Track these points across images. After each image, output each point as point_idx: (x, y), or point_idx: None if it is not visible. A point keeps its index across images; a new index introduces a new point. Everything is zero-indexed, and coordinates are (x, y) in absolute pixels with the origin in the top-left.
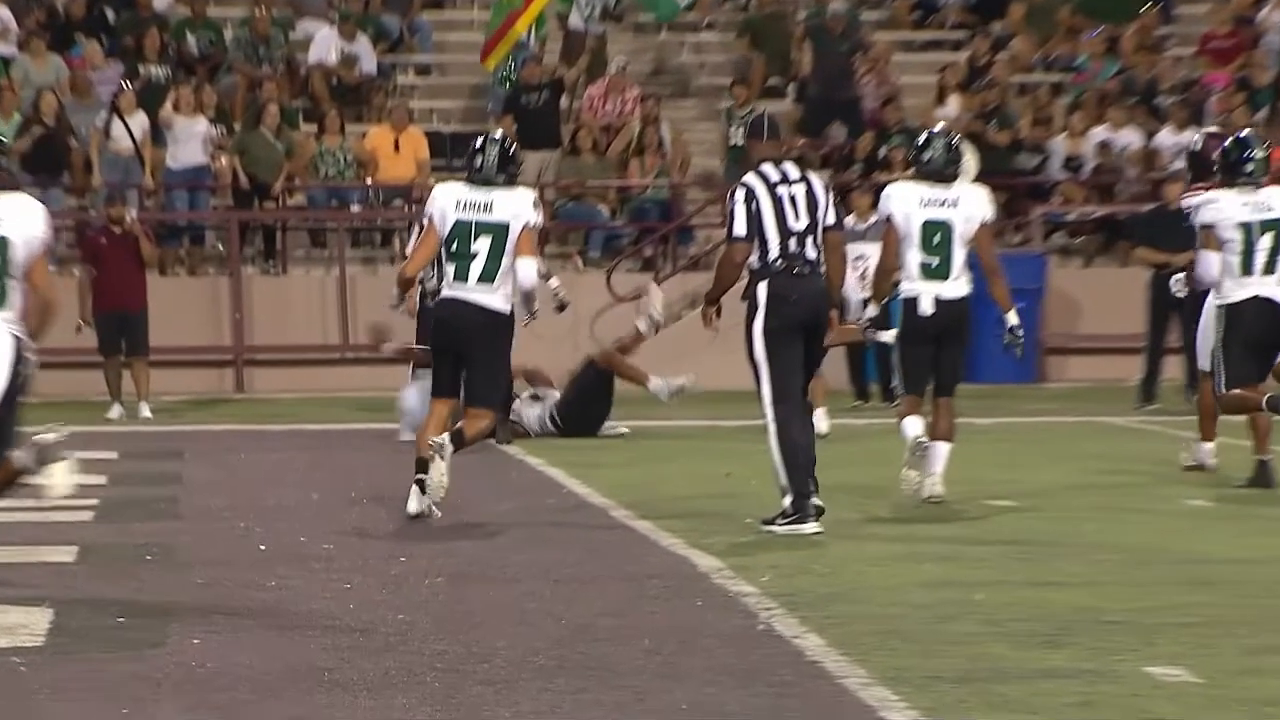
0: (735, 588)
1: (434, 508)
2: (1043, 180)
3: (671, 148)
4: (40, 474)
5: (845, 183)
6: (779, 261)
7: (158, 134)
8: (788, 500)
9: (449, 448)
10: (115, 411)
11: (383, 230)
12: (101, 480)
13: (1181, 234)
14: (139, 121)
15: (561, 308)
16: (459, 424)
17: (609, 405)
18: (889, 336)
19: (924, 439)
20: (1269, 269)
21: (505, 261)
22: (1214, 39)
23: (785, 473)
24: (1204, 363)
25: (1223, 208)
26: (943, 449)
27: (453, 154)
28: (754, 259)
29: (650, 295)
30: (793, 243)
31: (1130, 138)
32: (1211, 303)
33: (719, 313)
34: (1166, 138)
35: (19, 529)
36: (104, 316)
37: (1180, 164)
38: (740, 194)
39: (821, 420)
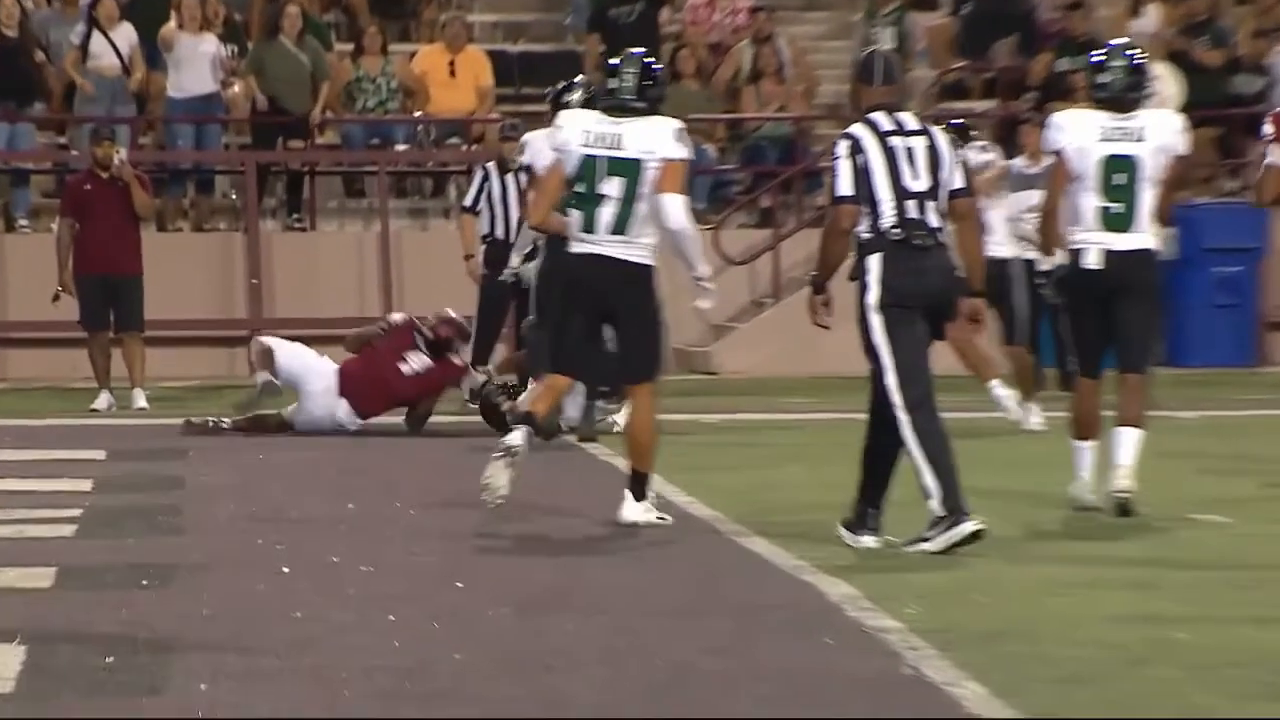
0: (874, 621)
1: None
2: (1265, 110)
3: (793, 72)
4: None
5: (1014, 114)
6: (894, 230)
7: (155, 56)
8: (935, 502)
9: (518, 448)
10: (103, 401)
11: (434, 175)
12: (86, 486)
13: None
14: (125, 35)
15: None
16: (530, 412)
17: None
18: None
19: (1093, 503)
20: None
21: (640, 206)
22: None
23: (929, 470)
24: None
25: None
26: (1130, 436)
27: (522, 80)
28: (862, 227)
29: None
30: (910, 206)
31: None
32: None
33: (828, 303)
34: None
35: None
36: (88, 282)
37: None
38: (844, 146)
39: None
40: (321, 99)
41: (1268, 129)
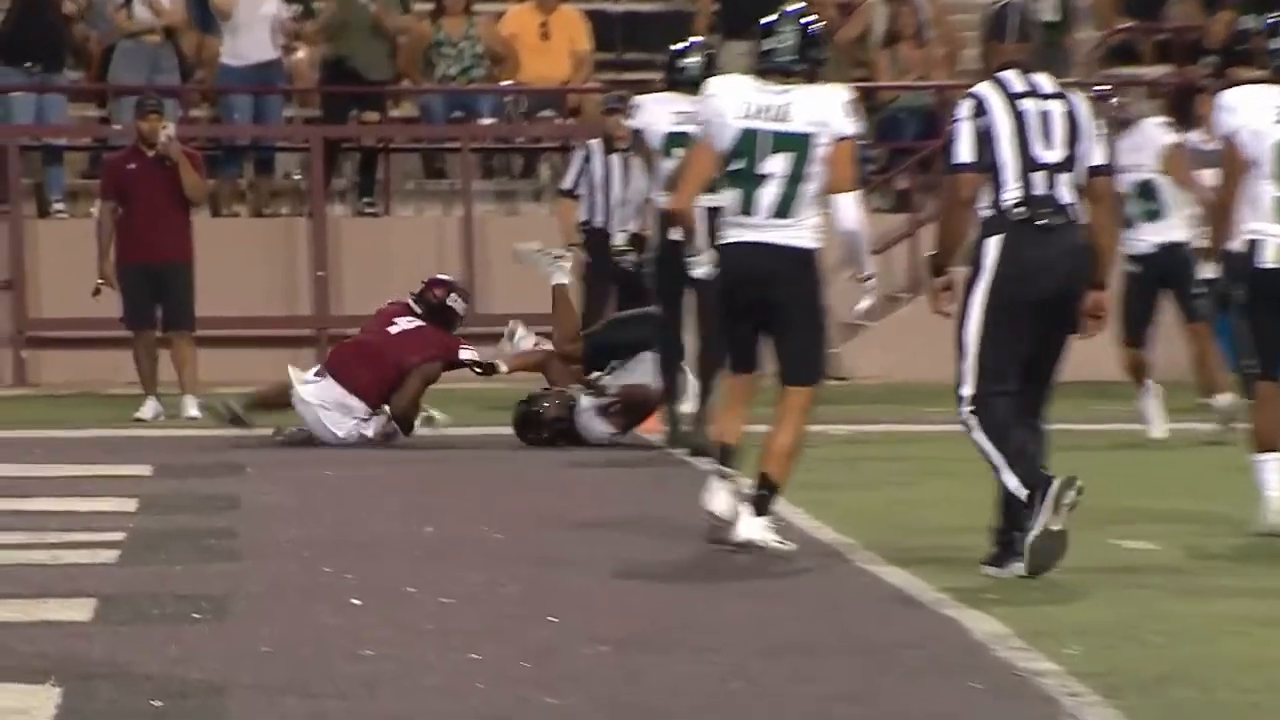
0: (1027, 663)
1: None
2: None
3: (934, 34)
4: None
5: (1191, 81)
6: (1018, 207)
7: (208, 18)
8: (1017, 485)
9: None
10: (149, 409)
11: (525, 152)
12: (130, 506)
13: None
14: None
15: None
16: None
17: None
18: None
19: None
20: None
21: (808, 187)
22: None
23: (1003, 459)
24: None
25: None
26: None
27: (625, 45)
28: (982, 202)
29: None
30: (1039, 180)
31: None
32: None
33: (950, 286)
34: None
35: (21, 575)
36: (132, 273)
37: None
38: (966, 106)
39: (1157, 420)
40: (392, 73)
41: None
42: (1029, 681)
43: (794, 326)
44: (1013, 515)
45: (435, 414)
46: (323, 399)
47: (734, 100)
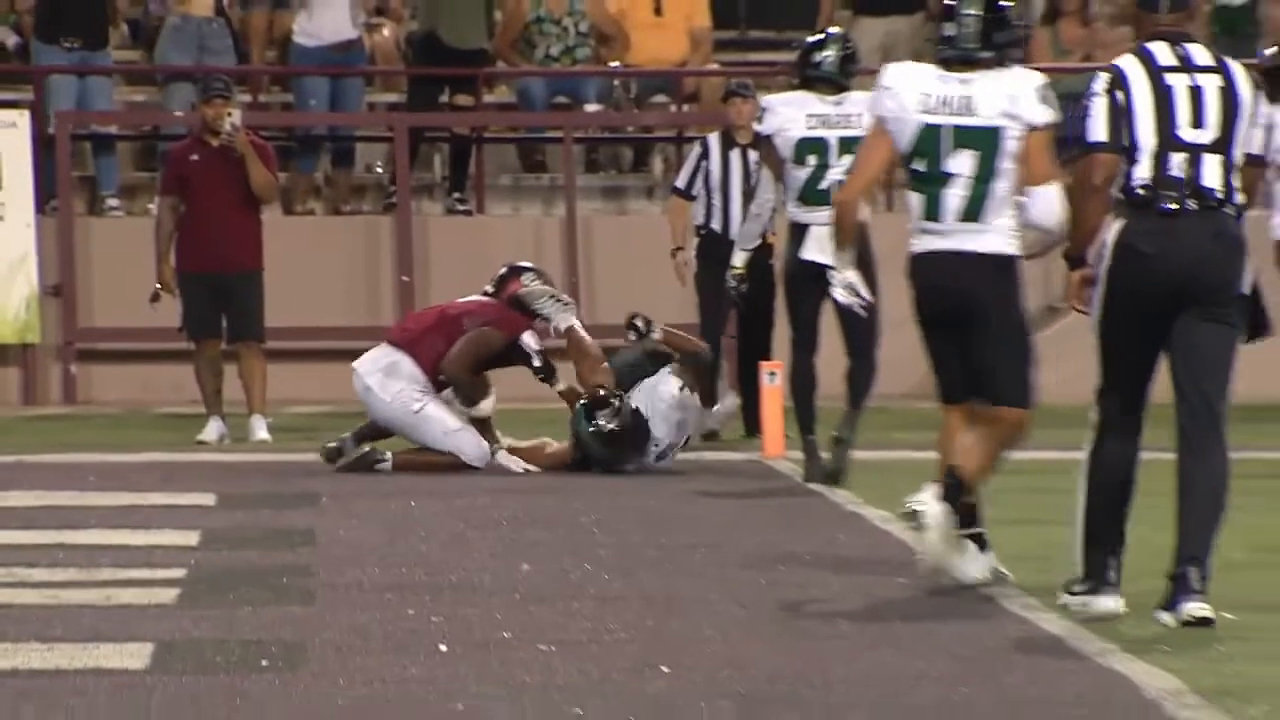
0: (1157, 683)
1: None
2: None
3: (1103, 9)
4: None
5: None
6: (1145, 190)
7: None
8: (1077, 555)
9: (937, 516)
10: (213, 430)
11: (635, 143)
12: (192, 540)
13: None
14: None
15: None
16: (954, 467)
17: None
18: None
19: None
20: None
21: (999, 186)
22: None
23: (1082, 515)
24: None
25: None
26: None
27: (749, 23)
28: (1115, 185)
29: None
30: (1177, 161)
31: None
32: None
33: (1090, 279)
34: None
35: (70, 617)
36: (195, 279)
37: None
38: (1102, 80)
39: None
40: (490, 50)
41: None
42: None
43: (995, 342)
44: (1110, 536)
45: (503, 447)
46: (372, 365)
47: (914, 91)
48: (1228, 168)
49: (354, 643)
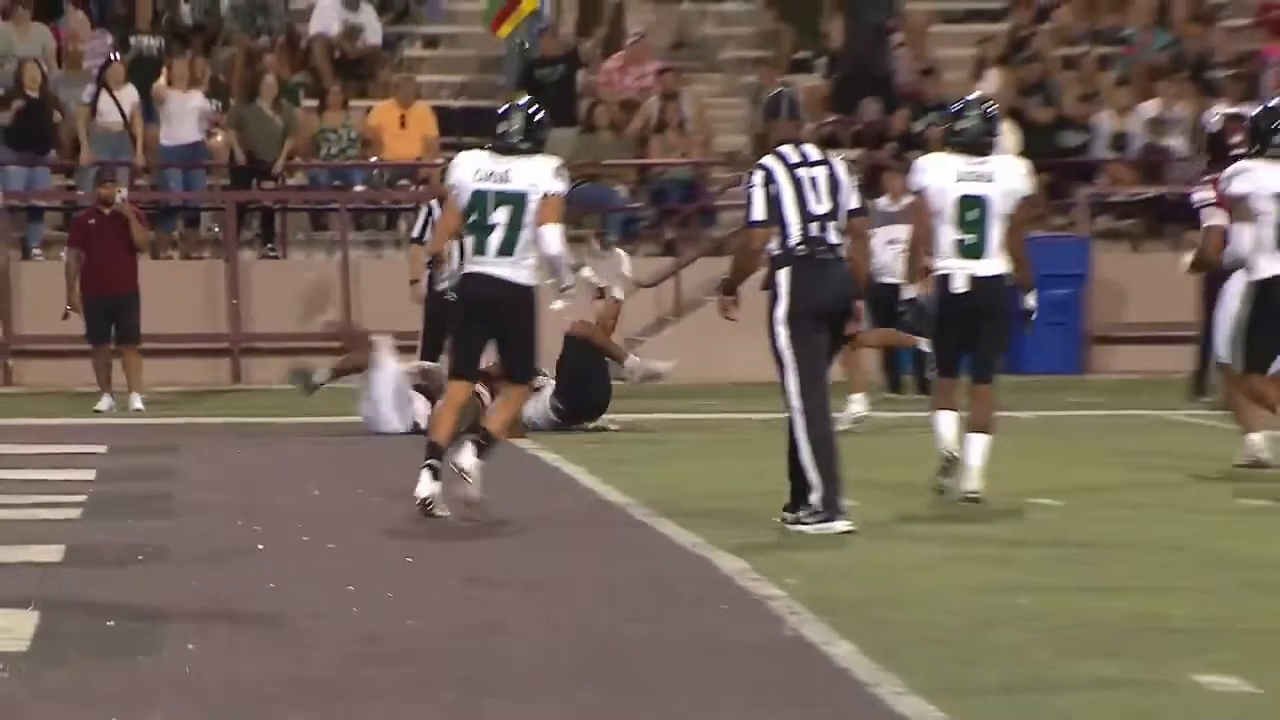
0: (761, 591)
1: (443, 506)
2: (1088, 160)
3: (694, 125)
4: None
5: (878, 161)
6: (800, 247)
7: (150, 110)
8: (816, 497)
9: (472, 462)
10: (105, 403)
11: (388, 211)
12: (90, 475)
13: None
14: (128, 96)
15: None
16: (482, 429)
17: (608, 388)
18: (927, 345)
19: (954, 453)
20: None
21: (525, 233)
22: (1273, 9)
23: (815, 468)
24: (1225, 352)
25: (1258, 177)
26: (979, 442)
27: (463, 130)
28: (774, 245)
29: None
30: (814, 227)
31: (1181, 115)
32: (1240, 279)
33: (737, 302)
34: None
35: (3, 527)
36: (93, 302)
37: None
38: (758, 177)
39: (859, 403)
40: (285, 151)
41: (1205, 195)
42: (763, 605)
43: (513, 340)
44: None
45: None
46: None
47: (471, 168)
48: (839, 229)
49: (200, 545)
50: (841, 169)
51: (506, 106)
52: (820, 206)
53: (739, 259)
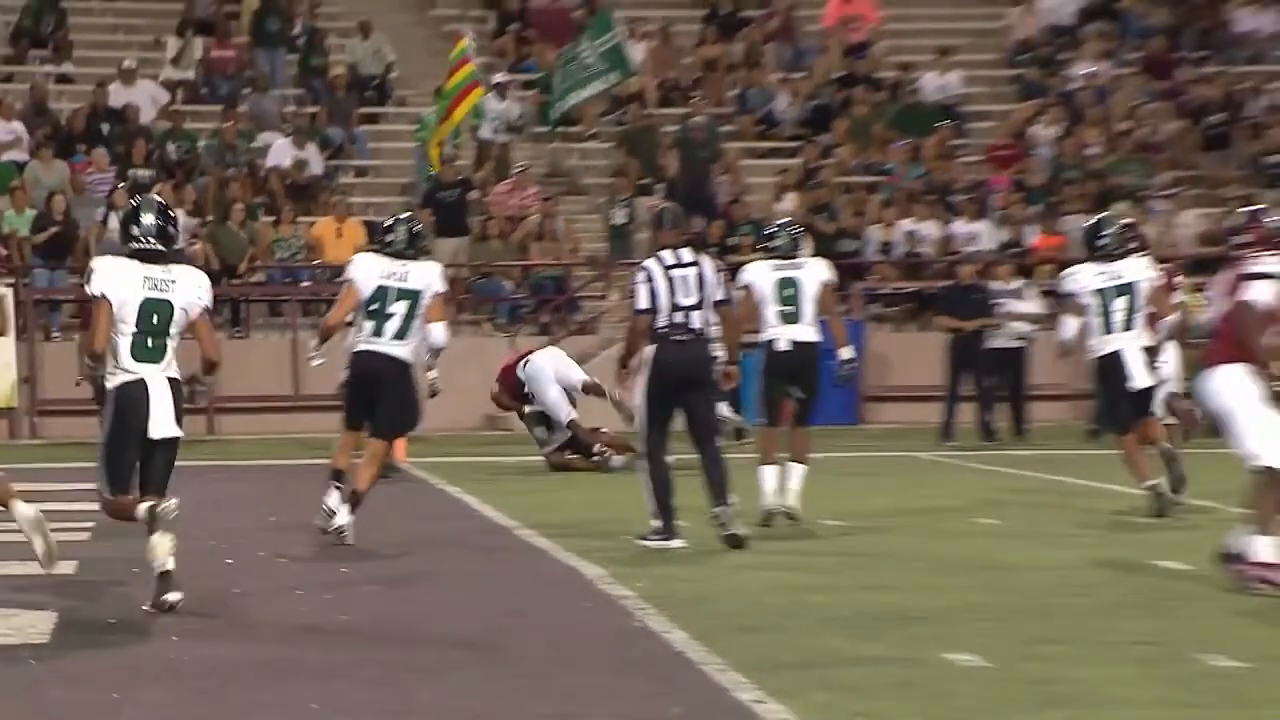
0: (616, 591)
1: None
2: (861, 261)
3: (564, 235)
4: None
5: None
6: (665, 330)
7: None
8: (656, 522)
9: (346, 516)
10: None
11: (328, 302)
12: (97, 506)
13: (972, 305)
14: None
15: (433, 394)
16: (354, 488)
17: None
18: (727, 411)
19: (773, 509)
20: (1126, 326)
21: (416, 322)
22: (997, 149)
23: (654, 499)
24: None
25: (1080, 278)
26: (798, 470)
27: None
28: (653, 325)
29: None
30: (678, 315)
31: (930, 229)
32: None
33: (630, 374)
34: (959, 228)
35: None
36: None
37: (972, 248)
38: (641, 275)
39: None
40: (248, 256)
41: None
42: (617, 602)
43: (390, 401)
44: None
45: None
46: None
47: (375, 267)
48: (704, 317)
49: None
50: (710, 269)
51: (392, 221)
52: (687, 299)
53: (630, 339)
